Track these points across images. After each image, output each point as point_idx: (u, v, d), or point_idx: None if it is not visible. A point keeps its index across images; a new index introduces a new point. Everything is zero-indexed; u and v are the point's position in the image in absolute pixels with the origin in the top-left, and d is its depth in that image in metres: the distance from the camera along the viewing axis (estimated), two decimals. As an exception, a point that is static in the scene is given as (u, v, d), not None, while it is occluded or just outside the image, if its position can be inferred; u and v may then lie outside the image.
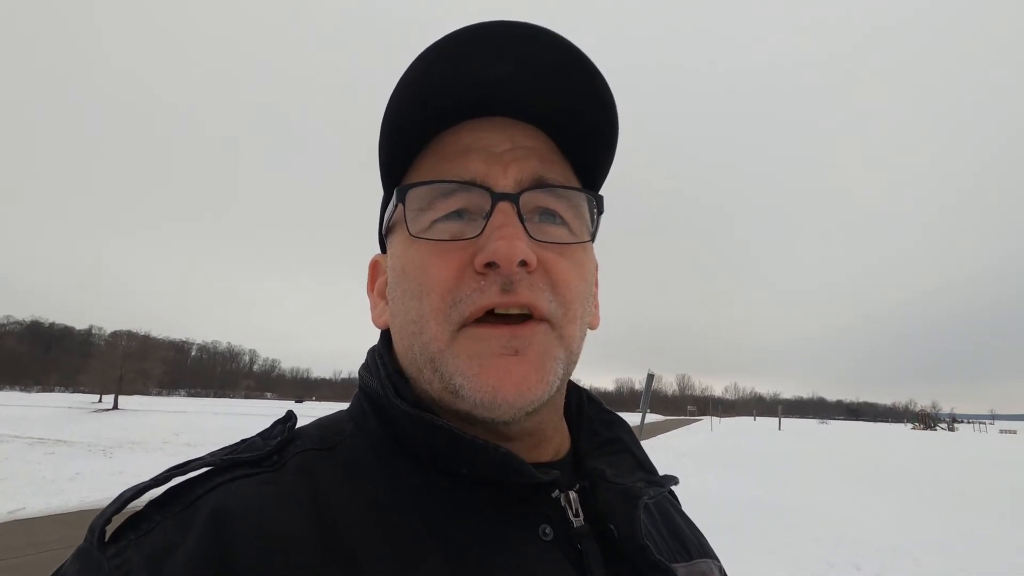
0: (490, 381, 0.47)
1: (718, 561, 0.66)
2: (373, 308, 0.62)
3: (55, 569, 0.42)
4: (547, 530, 0.49)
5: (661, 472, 0.61)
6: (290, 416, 0.55)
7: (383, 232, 0.61)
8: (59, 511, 8.56)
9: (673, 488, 0.70)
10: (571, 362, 0.53)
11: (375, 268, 0.64)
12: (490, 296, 0.48)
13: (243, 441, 0.52)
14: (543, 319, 0.49)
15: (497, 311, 0.48)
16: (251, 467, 0.47)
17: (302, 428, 0.55)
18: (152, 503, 0.45)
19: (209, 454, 0.49)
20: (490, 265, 0.48)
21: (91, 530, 0.42)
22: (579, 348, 0.54)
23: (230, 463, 0.47)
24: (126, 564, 0.40)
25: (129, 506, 0.44)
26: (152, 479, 0.45)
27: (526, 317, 0.49)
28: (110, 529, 0.42)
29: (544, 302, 0.49)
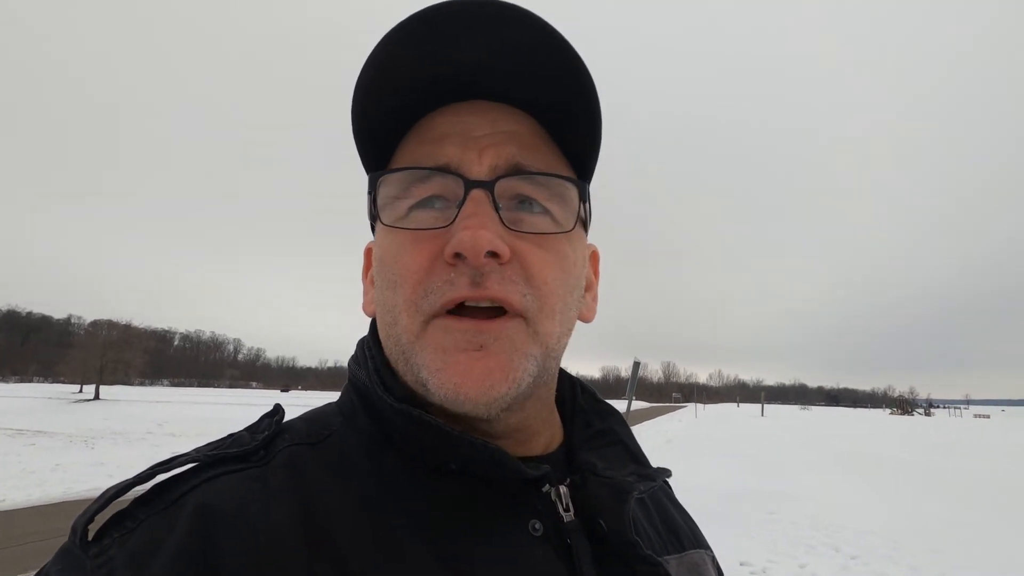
0: (453, 378, 0.45)
1: (711, 551, 0.66)
2: (364, 295, 0.60)
3: (39, 569, 0.41)
4: (537, 525, 0.48)
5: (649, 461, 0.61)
6: (277, 410, 0.53)
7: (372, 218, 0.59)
8: (40, 503, 8.46)
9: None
10: (549, 358, 0.50)
11: (369, 255, 0.61)
12: (459, 289, 0.45)
13: (230, 436, 0.50)
14: (517, 314, 0.47)
15: (468, 303, 0.46)
16: (237, 462, 0.46)
17: (290, 422, 0.53)
18: (136, 501, 0.43)
19: (195, 449, 0.48)
20: (459, 256, 0.45)
21: (74, 529, 0.41)
22: (559, 344, 0.51)
23: (216, 459, 0.46)
24: (109, 563, 0.39)
25: (113, 504, 0.43)
26: (136, 476, 0.44)
27: (499, 311, 0.47)
28: (94, 528, 0.41)
29: (517, 296, 0.47)
